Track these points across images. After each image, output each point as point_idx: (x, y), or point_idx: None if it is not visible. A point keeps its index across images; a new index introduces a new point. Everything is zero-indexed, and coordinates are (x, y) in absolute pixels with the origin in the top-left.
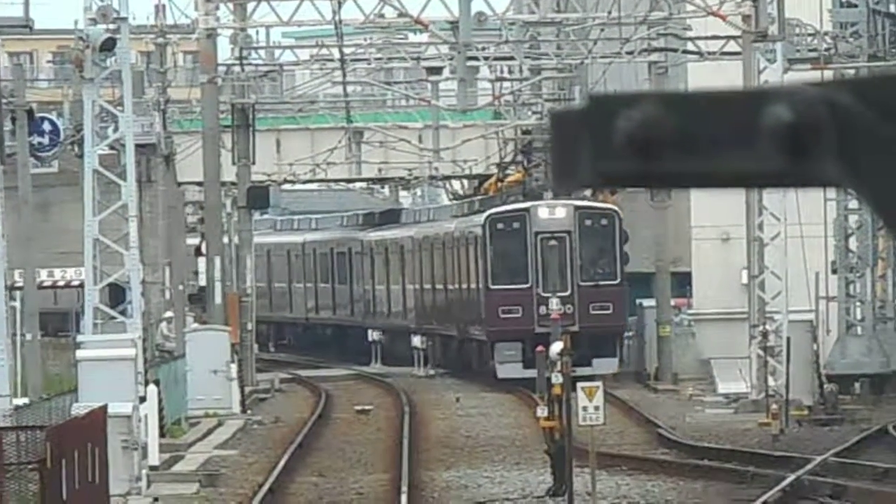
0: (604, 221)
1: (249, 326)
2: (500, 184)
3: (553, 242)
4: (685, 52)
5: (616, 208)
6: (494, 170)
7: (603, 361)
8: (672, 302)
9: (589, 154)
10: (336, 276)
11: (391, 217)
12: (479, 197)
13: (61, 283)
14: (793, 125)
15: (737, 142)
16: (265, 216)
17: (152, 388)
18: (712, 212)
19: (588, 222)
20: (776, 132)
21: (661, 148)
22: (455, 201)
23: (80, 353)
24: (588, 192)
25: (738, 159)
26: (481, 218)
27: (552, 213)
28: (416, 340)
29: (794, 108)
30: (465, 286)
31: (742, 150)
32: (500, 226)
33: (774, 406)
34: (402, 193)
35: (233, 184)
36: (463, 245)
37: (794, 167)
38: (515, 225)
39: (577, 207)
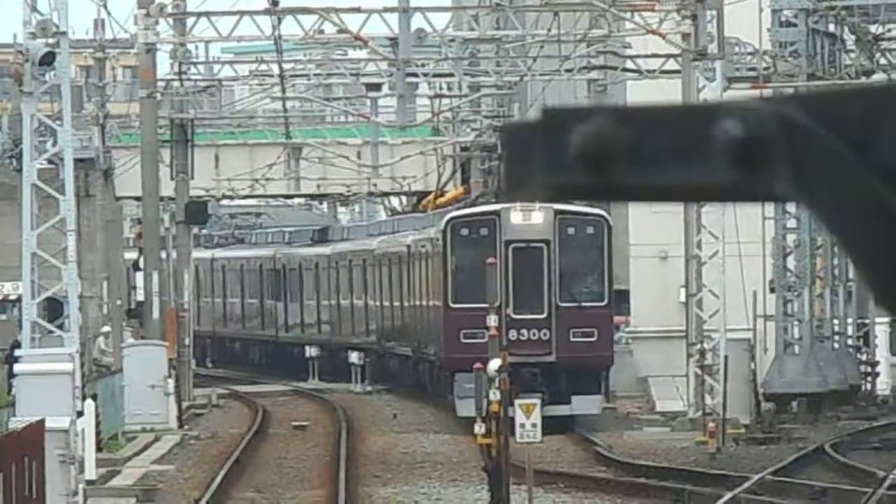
0: (590, 229)
1: (187, 341)
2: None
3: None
4: (625, 70)
5: (605, 214)
6: (433, 186)
7: (585, 399)
8: None
9: (542, 166)
10: (271, 293)
11: (326, 234)
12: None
13: None
14: (744, 140)
15: (689, 156)
16: (203, 231)
17: (90, 402)
18: (650, 230)
19: (571, 230)
20: (727, 147)
21: (613, 161)
22: (393, 217)
23: (17, 367)
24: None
25: (690, 173)
26: (406, 238)
27: (527, 217)
28: (353, 356)
29: (745, 122)
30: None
31: (694, 165)
32: (463, 232)
33: (712, 424)
34: (341, 209)
35: (171, 199)
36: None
37: (744, 181)
38: (483, 231)
39: (557, 212)
